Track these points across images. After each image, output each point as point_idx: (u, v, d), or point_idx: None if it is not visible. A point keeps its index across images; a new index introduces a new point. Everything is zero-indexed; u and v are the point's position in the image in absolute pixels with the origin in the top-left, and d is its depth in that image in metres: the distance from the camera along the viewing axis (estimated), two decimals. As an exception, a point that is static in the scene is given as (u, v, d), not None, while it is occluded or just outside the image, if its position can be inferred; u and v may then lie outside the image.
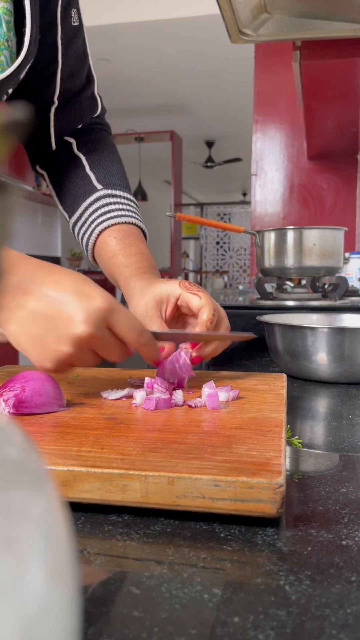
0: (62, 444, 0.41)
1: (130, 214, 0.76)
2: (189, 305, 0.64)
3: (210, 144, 7.19)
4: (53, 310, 0.51)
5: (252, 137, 2.82)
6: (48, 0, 0.69)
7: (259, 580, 0.28)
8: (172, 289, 0.65)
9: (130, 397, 0.57)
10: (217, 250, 9.87)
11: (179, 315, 0.68)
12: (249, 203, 9.35)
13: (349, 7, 1.17)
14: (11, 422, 0.17)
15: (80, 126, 0.82)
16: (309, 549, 0.32)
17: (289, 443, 0.51)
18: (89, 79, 0.81)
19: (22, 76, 0.66)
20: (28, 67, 0.66)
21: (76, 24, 0.75)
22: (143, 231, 0.78)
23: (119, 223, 0.75)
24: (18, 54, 0.66)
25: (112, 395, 0.56)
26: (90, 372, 0.72)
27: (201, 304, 0.63)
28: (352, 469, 0.46)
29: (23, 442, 0.16)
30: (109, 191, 0.77)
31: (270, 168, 2.80)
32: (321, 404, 0.71)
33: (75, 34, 0.75)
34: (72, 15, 0.74)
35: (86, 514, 0.36)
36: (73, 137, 0.82)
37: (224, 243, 9.85)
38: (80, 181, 0.78)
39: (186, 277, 9.19)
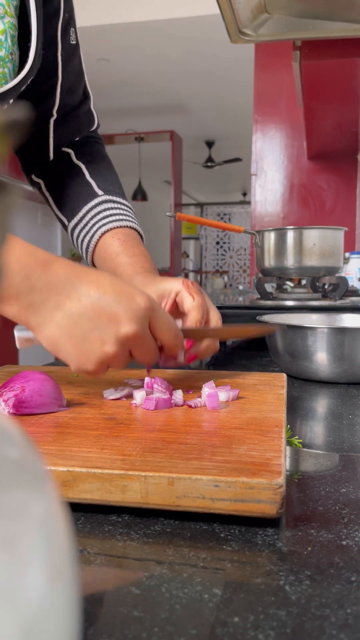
0: (62, 444, 0.41)
1: (130, 219, 0.78)
2: (182, 304, 0.64)
3: (210, 144, 7.19)
4: (96, 311, 0.51)
5: (252, 137, 2.82)
6: (50, 18, 0.72)
7: (259, 580, 0.28)
8: (175, 285, 0.65)
9: (130, 397, 0.57)
10: (217, 250, 9.87)
11: (177, 313, 0.69)
12: (249, 203, 9.35)
13: (349, 7, 1.17)
14: (11, 422, 0.17)
15: (77, 139, 0.86)
16: (309, 549, 0.32)
17: (289, 443, 0.51)
18: (86, 95, 0.84)
19: (23, 88, 0.67)
20: (30, 80, 0.68)
21: (74, 42, 0.79)
22: (141, 236, 0.80)
23: (120, 227, 0.77)
24: (20, 67, 0.68)
25: (112, 395, 0.56)
26: (90, 372, 0.72)
27: (192, 306, 0.63)
28: (352, 469, 0.46)
29: (23, 442, 0.16)
30: (110, 197, 0.79)
31: (270, 168, 2.80)
32: (321, 404, 0.71)
33: (74, 52, 0.79)
34: (71, 34, 0.77)
35: (86, 514, 0.36)
36: (71, 148, 0.85)
37: (224, 243, 9.85)
38: (81, 187, 0.80)
39: (186, 277, 9.18)
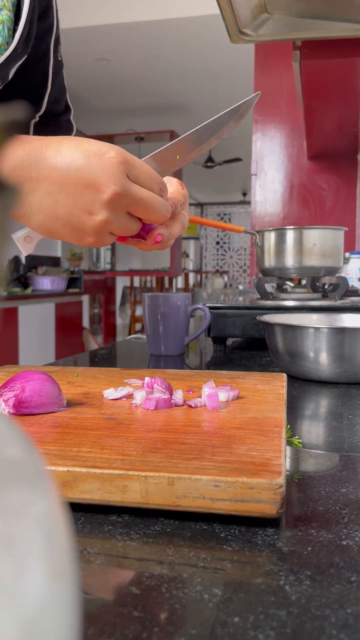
0: (62, 444, 0.41)
1: None
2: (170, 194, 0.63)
3: (210, 144, 7.18)
4: (71, 183, 0.49)
5: (252, 137, 2.82)
6: (45, 34, 0.75)
7: (259, 580, 0.28)
8: (172, 184, 0.65)
9: (130, 397, 0.57)
10: (217, 250, 9.87)
11: None
12: (249, 203, 9.35)
13: (349, 7, 1.17)
14: (11, 422, 0.17)
15: None
16: (309, 549, 0.32)
17: (289, 443, 0.51)
18: (67, 107, 0.88)
19: (10, 72, 0.69)
20: (18, 64, 0.69)
21: (60, 59, 0.82)
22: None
23: None
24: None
25: (112, 395, 0.56)
26: (90, 372, 0.72)
27: (173, 190, 0.62)
28: (352, 469, 0.46)
29: (23, 442, 0.16)
30: None
31: (270, 168, 2.80)
32: (321, 404, 0.71)
33: (60, 67, 0.83)
34: (59, 51, 0.80)
35: (86, 514, 0.36)
36: None
37: (224, 243, 9.85)
38: None
39: (186, 277, 9.19)
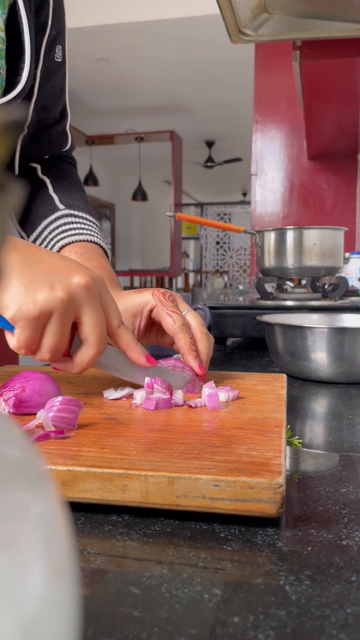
0: (62, 444, 0.41)
1: (91, 233, 0.74)
2: (163, 326, 0.61)
3: (210, 144, 7.19)
4: (52, 263, 0.50)
5: (252, 137, 2.82)
6: (36, 34, 0.70)
7: (259, 580, 0.28)
8: (145, 299, 0.62)
9: (130, 397, 0.57)
10: (217, 250, 9.87)
11: (152, 324, 0.66)
12: (249, 203, 9.35)
13: (349, 7, 1.17)
14: (11, 421, 0.17)
15: (46, 157, 0.83)
16: (309, 549, 0.32)
17: (289, 443, 0.51)
18: (63, 115, 0.81)
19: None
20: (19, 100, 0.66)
21: (59, 60, 0.75)
22: (105, 251, 0.76)
23: (79, 241, 0.73)
24: (8, 81, 0.66)
25: (112, 395, 0.56)
26: (90, 372, 0.72)
27: (175, 330, 0.59)
28: (352, 469, 0.46)
29: (23, 442, 0.16)
30: (71, 211, 0.75)
31: (270, 168, 2.81)
32: (321, 404, 0.71)
33: (56, 70, 0.76)
34: (57, 51, 0.74)
35: (86, 514, 0.36)
36: (37, 163, 0.81)
37: (224, 243, 9.85)
38: (42, 202, 0.77)
39: (186, 277, 9.19)
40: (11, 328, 0.50)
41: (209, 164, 7.37)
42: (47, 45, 0.73)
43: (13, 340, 0.50)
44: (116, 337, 0.55)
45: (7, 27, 0.65)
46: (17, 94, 0.64)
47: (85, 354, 0.52)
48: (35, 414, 0.50)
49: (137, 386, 0.60)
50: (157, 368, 0.58)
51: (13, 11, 0.65)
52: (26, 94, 0.72)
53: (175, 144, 6.25)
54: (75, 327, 0.52)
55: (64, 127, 0.82)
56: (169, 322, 0.60)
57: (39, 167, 0.81)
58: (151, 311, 0.62)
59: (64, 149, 0.85)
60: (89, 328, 0.51)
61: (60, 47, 0.75)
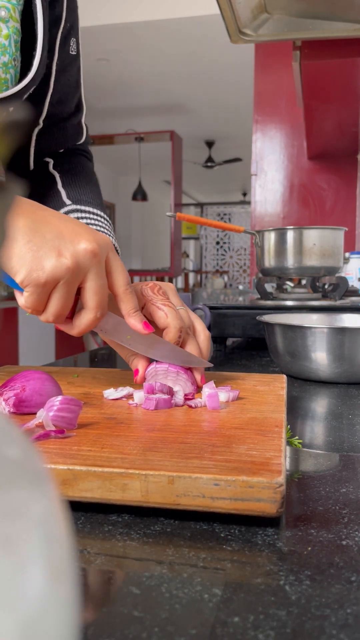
0: (62, 443, 0.41)
1: (99, 228, 0.73)
2: (155, 321, 0.61)
3: (210, 144, 7.19)
4: (59, 227, 0.52)
5: (252, 137, 2.82)
6: (51, 26, 0.70)
7: (259, 580, 0.28)
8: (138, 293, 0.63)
9: (130, 397, 0.57)
10: (217, 250, 9.87)
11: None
12: (249, 203, 9.35)
13: (349, 7, 1.17)
14: (11, 421, 0.17)
15: (61, 151, 0.82)
16: (309, 549, 0.32)
17: (289, 443, 0.51)
18: (78, 108, 0.81)
19: (25, 96, 0.66)
20: (33, 89, 0.66)
21: (73, 53, 0.76)
22: (114, 246, 0.75)
23: None
24: (22, 73, 0.66)
25: (112, 395, 0.56)
26: (90, 372, 0.72)
27: (166, 323, 0.59)
28: (352, 469, 0.46)
29: (23, 441, 0.16)
30: (78, 206, 0.74)
31: (270, 168, 2.81)
32: (321, 404, 0.71)
33: (71, 62, 0.76)
34: (71, 44, 0.75)
35: (86, 514, 0.36)
36: (52, 157, 0.81)
37: (224, 243, 9.85)
38: (50, 197, 0.76)
39: (186, 277, 9.19)
40: (20, 289, 0.53)
41: (209, 164, 7.37)
42: (62, 38, 0.73)
43: (21, 299, 0.53)
44: (120, 301, 0.57)
45: (22, 20, 0.65)
46: (27, 83, 0.64)
47: (83, 318, 0.55)
48: (35, 413, 0.50)
49: (137, 386, 0.60)
50: (155, 338, 0.59)
51: (28, 3, 0.65)
52: (42, 88, 0.73)
53: (175, 144, 6.25)
54: (79, 291, 0.55)
55: (79, 120, 0.82)
56: (160, 316, 0.60)
57: (51, 162, 0.80)
58: (142, 308, 0.62)
59: (79, 142, 0.84)
60: (90, 294, 0.54)
61: (74, 39, 0.76)
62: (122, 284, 0.57)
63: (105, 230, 0.73)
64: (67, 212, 0.73)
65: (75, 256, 0.52)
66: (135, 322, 0.57)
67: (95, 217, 0.74)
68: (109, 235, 0.73)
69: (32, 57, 0.66)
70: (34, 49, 0.66)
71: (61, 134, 0.80)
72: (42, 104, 0.75)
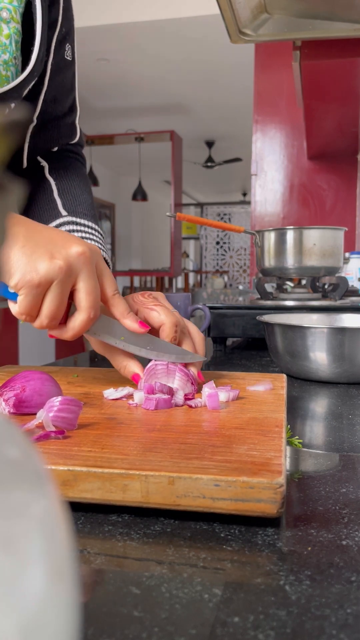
0: (62, 444, 0.41)
1: (93, 242, 0.74)
2: (149, 322, 0.62)
3: (210, 144, 7.19)
4: (52, 235, 0.54)
5: (252, 137, 2.82)
6: (47, 28, 0.72)
7: (259, 580, 0.28)
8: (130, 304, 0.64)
9: (130, 397, 0.57)
10: (217, 250, 9.86)
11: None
12: (249, 203, 9.35)
13: (349, 7, 1.17)
14: (11, 422, 0.17)
15: (55, 149, 0.83)
16: (309, 549, 0.32)
17: (289, 443, 0.51)
18: (72, 108, 0.83)
19: (24, 92, 0.67)
20: (32, 84, 0.68)
21: (69, 58, 0.78)
22: (106, 260, 0.75)
23: None
24: (22, 72, 0.68)
25: (112, 395, 0.56)
26: (90, 372, 0.72)
27: (160, 321, 0.60)
28: (352, 469, 0.46)
29: (23, 442, 0.16)
30: (73, 218, 0.75)
31: (270, 168, 2.80)
32: (321, 404, 0.71)
33: (66, 66, 0.78)
34: (66, 49, 0.77)
35: (86, 514, 0.36)
36: (46, 160, 0.81)
37: (224, 243, 9.84)
38: (46, 205, 0.77)
39: (186, 277, 9.18)
40: (13, 297, 0.54)
41: (209, 164, 7.37)
42: (57, 42, 0.75)
43: (15, 307, 0.55)
44: (111, 306, 0.59)
45: (22, 22, 0.67)
46: (26, 76, 0.66)
47: (77, 319, 0.56)
48: (35, 414, 0.50)
49: (137, 386, 0.60)
50: (149, 337, 0.60)
51: (28, 6, 0.68)
52: (37, 86, 0.74)
53: (175, 144, 6.25)
54: (72, 296, 0.56)
55: (73, 119, 0.84)
56: (154, 315, 0.61)
57: (46, 167, 0.81)
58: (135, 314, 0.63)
59: (73, 141, 0.86)
60: (83, 294, 0.55)
61: (70, 46, 0.78)
62: (111, 289, 0.59)
63: (99, 244, 0.74)
64: (62, 224, 0.74)
65: (67, 258, 0.54)
66: (130, 322, 0.59)
67: (90, 230, 0.76)
68: (101, 248, 0.74)
69: (31, 53, 0.67)
70: (32, 46, 0.68)
71: (55, 132, 0.82)
72: (36, 100, 0.76)
